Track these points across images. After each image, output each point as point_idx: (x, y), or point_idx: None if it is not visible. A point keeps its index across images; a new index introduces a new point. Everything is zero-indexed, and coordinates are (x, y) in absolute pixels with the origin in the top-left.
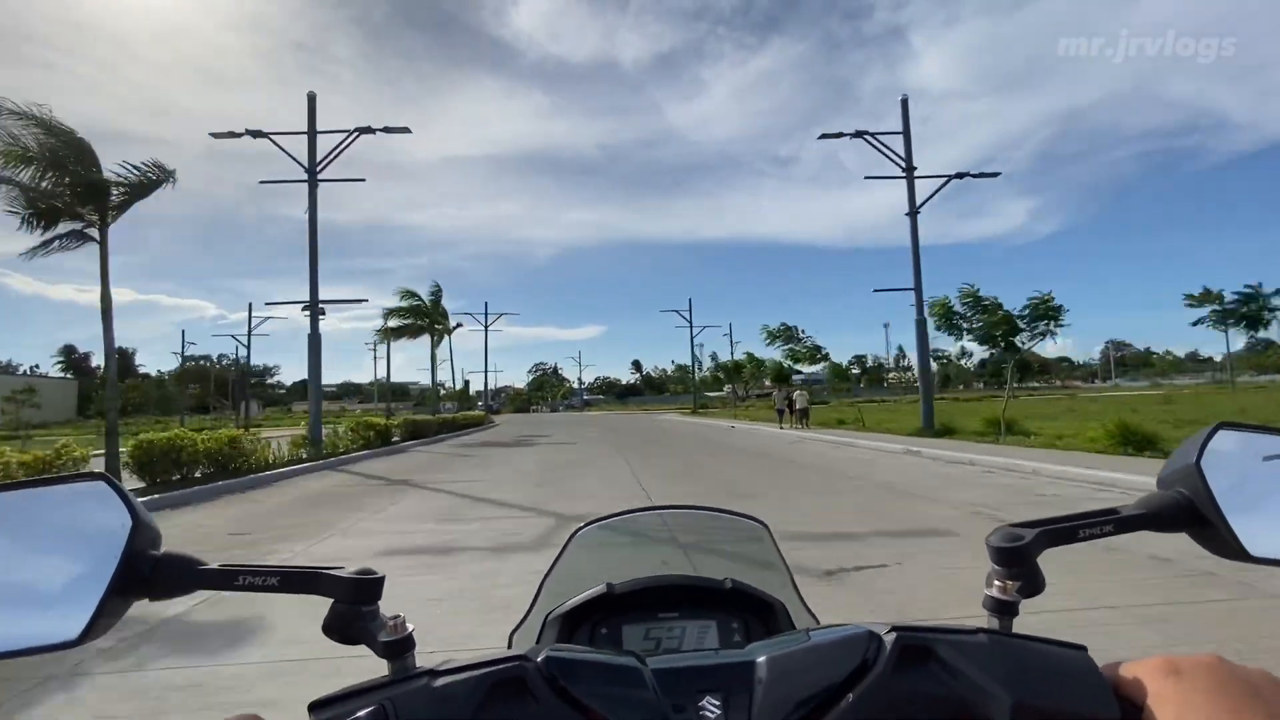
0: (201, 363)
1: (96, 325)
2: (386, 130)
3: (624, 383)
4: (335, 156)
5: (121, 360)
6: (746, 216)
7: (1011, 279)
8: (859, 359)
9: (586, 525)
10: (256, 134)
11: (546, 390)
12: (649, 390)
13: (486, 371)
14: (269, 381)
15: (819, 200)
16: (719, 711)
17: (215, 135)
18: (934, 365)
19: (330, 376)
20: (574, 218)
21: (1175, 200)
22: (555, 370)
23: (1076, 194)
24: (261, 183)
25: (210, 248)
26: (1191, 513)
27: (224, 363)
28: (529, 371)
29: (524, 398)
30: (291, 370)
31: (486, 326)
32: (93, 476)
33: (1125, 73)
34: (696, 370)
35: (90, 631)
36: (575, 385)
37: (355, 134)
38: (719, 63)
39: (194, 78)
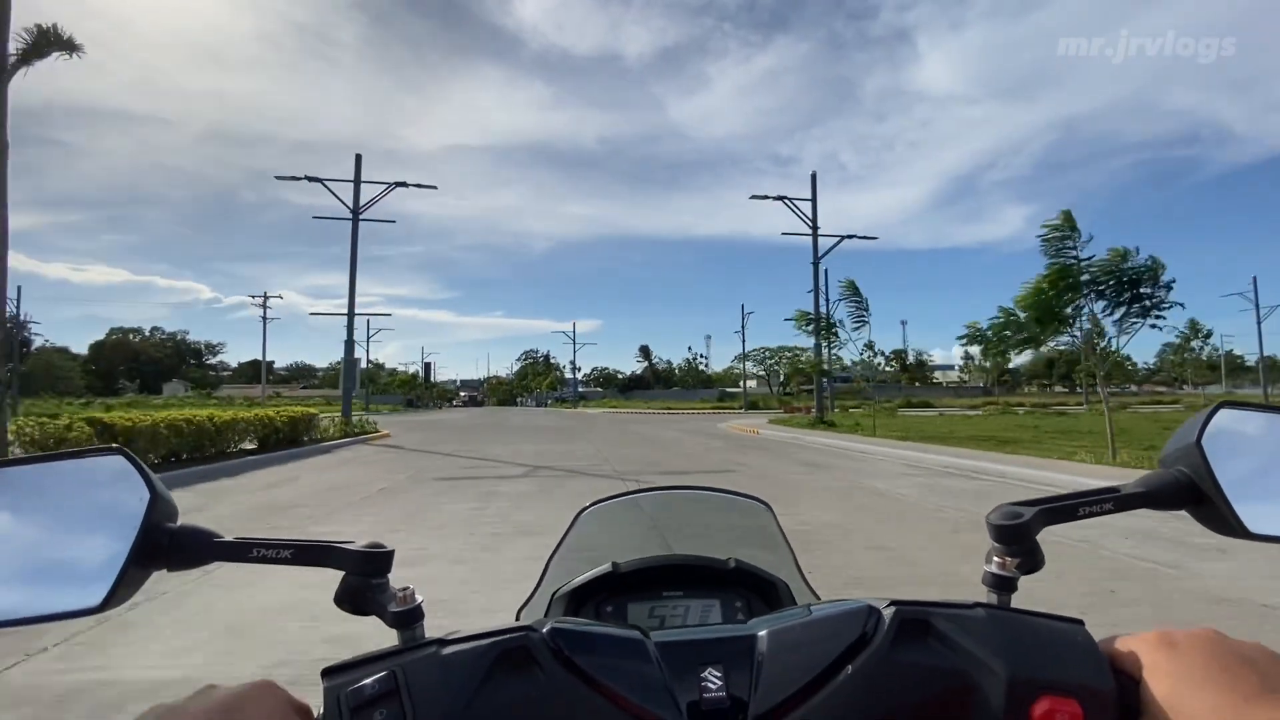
0: (130, 336)
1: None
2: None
3: (627, 374)
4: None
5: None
6: (745, 214)
7: (1009, 284)
8: (899, 354)
9: (592, 505)
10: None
11: (531, 380)
12: (657, 383)
13: (351, 316)
14: (211, 361)
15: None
16: (721, 683)
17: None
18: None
19: (286, 358)
20: (572, 211)
21: (1174, 210)
22: (546, 359)
23: (1076, 201)
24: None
25: (206, 230)
26: (1192, 491)
27: (159, 335)
28: (517, 359)
29: (505, 388)
30: (238, 350)
31: (356, 211)
32: (112, 450)
33: (1127, 82)
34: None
35: (111, 600)
36: (568, 374)
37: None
38: (722, 59)
39: (194, 58)
